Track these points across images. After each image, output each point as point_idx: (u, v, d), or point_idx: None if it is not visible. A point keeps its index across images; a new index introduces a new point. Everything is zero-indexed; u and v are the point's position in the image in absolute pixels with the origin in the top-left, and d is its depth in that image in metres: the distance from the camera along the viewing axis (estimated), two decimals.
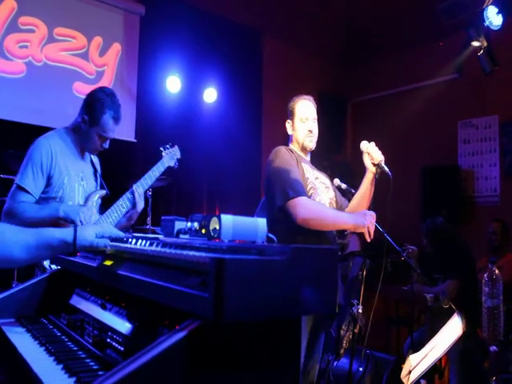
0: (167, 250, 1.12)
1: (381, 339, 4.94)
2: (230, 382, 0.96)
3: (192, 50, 5.09)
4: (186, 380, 0.88)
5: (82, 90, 4.42)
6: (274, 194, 2.35)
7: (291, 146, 2.64)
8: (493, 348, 2.08)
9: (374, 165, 2.49)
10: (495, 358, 2.04)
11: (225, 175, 5.43)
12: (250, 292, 0.92)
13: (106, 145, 2.49)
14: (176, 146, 2.91)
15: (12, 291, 1.57)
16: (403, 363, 2.64)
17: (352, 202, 2.65)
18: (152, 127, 4.89)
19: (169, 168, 2.82)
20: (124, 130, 4.66)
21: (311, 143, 2.58)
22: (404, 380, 2.36)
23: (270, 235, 1.37)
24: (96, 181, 2.59)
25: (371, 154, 2.48)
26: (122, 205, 2.50)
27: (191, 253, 1.03)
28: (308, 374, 2.29)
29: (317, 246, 1.14)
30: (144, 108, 4.91)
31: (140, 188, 2.58)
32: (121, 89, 4.68)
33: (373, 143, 2.51)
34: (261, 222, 1.26)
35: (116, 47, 4.79)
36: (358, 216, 2.33)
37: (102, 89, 2.52)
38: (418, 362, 2.40)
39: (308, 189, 2.43)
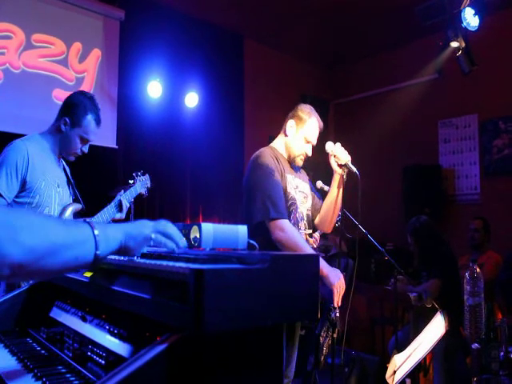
0: (146, 261, 1.12)
1: (366, 339, 4.97)
2: None
3: (173, 55, 5.07)
4: None
5: (61, 96, 4.35)
6: (254, 205, 2.31)
7: (278, 146, 2.58)
8: (475, 345, 2.11)
9: (341, 166, 2.47)
10: (477, 356, 2.06)
11: (207, 179, 5.42)
12: (231, 302, 0.91)
13: (86, 149, 2.49)
14: (147, 175, 2.91)
15: None
16: (388, 363, 2.65)
17: (323, 205, 2.64)
18: (133, 133, 4.86)
19: (139, 195, 2.84)
20: (105, 136, 4.61)
21: (301, 162, 2.59)
22: (389, 380, 2.38)
23: (252, 241, 1.37)
24: (69, 189, 2.54)
25: (337, 155, 2.45)
26: (108, 211, 2.54)
27: (170, 263, 1.02)
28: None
29: (297, 254, 1.14)
30: (125, 114, 4.87)
31: (125, 200, 2.61)
32: (101, 95, 4.64)
33: (338, 144, 2.48)
34: (241, 229, 1.26)
35: (96, 53, 4.74)
36: (333, 270, 2.31)
37: (81, 92, 2.54)
38: (403, 362, 2.42)
39: (288, 205, 2.40)
